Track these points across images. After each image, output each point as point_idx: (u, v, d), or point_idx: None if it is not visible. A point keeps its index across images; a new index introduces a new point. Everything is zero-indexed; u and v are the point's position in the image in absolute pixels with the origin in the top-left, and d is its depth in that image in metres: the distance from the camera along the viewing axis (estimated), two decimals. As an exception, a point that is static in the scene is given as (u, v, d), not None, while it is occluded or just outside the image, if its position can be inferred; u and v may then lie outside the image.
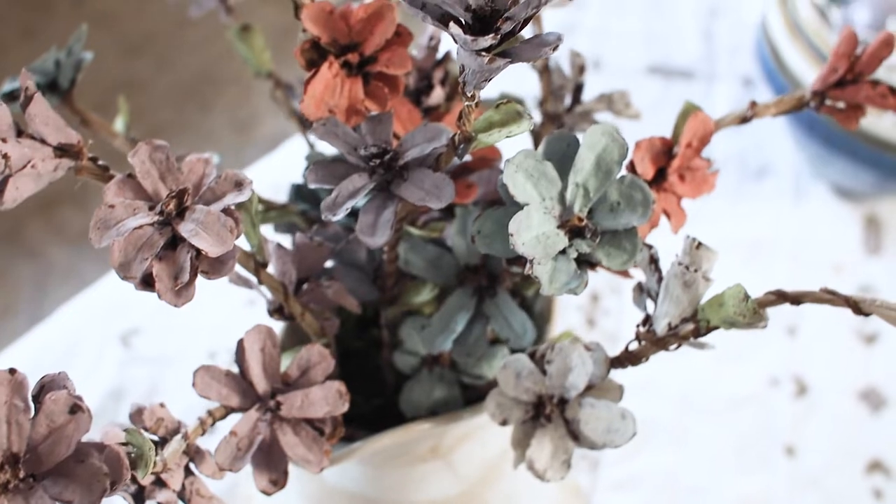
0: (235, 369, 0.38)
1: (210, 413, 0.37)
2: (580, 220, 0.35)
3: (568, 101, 0.48)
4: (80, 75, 0.44)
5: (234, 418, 0.38)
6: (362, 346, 0.49)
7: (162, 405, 0.37)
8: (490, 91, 0.46)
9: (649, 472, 0.74)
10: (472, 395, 0.46)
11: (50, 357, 0.77)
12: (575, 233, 0.35)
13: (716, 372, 0.79)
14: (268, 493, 0.38)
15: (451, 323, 0.41)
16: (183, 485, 0.37)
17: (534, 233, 0.34)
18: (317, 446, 0.38)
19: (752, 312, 0.35)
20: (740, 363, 0.80)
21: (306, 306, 0.41)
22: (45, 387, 0.28)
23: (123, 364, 0.76)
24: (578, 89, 0.48)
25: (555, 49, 0.29)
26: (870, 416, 0.77)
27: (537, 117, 0.49)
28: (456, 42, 0.29)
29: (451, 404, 0.46)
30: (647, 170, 0.39)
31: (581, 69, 0.47)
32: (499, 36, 0.29)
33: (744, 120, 0.40)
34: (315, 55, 0.37)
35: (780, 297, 0.36)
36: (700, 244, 0.37)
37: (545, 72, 0.47)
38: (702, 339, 0.38)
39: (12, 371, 0.27)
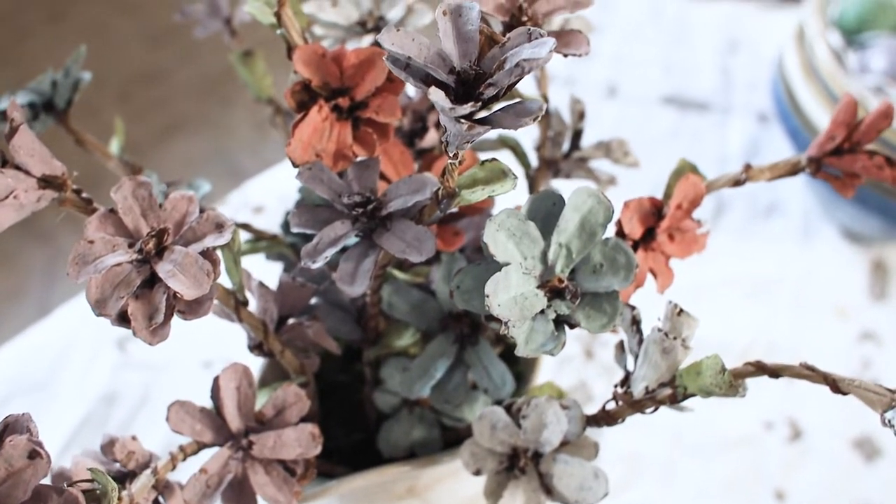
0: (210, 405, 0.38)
1: (182, 448, 0.37)
2: (561, 281, 0.35)
3: (566, 146, 0.48)
4: (77, 95, 0.44)
5: (206, 453, 0.38)
6: (347, 380, 0.49)
7: (134, 438, 0.37)
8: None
9: (636, 509, 0.73)
10: (451, 436, 0.46)
11: (45, 357, 0.77)
12: (555, 293, 0.35)
13: (710, 410, 0.78)
14: (236, 531, 0.38)
15: (431, 369, 0.41)
16: (152, 518, 0.37)
17: (511, 294, 0.33)
18: (287, 487, 0.38)
19: (728, 385, 0.34)
20: (736, 403, 0.79)
21: (286, 344, 0.41)
22: (7, 427, 0.29)
23: (117, 368, 0.76)
24: (577, 135, 0.48)
25: (535, 119, 0.28)
26: (863, 465, 0.76)
27: (534, 161, 0.48)
28: (436, 107, 0.28)
29: (429, 445, 0.45)
30: (635, 229, 0.39)
31: (581, 115, 0.47)
32: (479, 103, 0.29)
33: (737, 183, 0.40)
34: (305, 97, 0.37)
35: (759, 368, 0.36)
36: (681, 311, 0.36)
37: (544, 117, 0.47)
38: (681, 403, 0.37)
39: (-27, 414, 0.27)
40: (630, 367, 0.39)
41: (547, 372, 0.79)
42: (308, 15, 0.44)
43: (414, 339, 0.42)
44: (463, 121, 0.28)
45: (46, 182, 0.35)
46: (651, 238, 0.39)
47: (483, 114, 0.29)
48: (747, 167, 0.40)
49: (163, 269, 0.33)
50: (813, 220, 0.90)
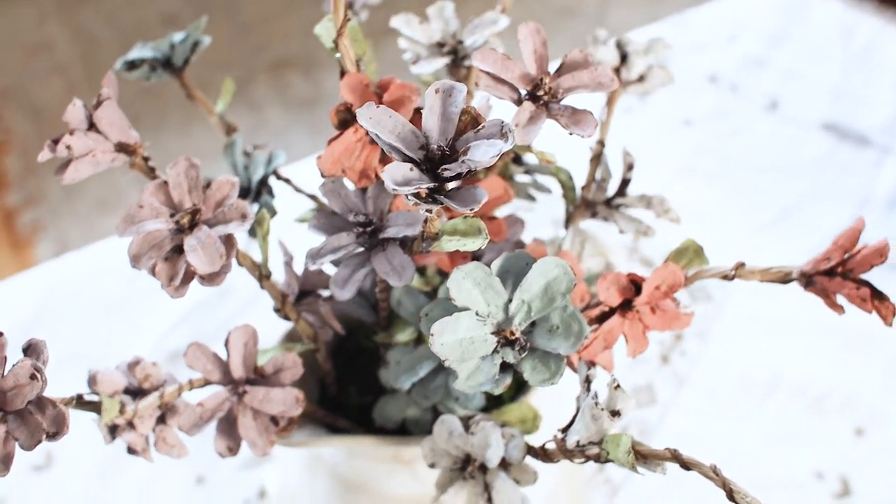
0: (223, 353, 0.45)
1: (190, 381, 0.45)
2: (512, 333, 0.39)
3: (611, 192, 0.51)
4: (195, 56, 0.51)
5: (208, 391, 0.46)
6: (372, 347, 0.55)
7: (154, 363, 0.45)
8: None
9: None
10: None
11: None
12: (506, 342, 0.39)
13: (764, 450, 0.79)
14: (224, 456, 0.46)
15: (417, 367, 0.47)
16: (154, 430, 0.45)
17: (458, 336, 0.38)
18: (266, 435, 0.45)
19: (631, 465, 0.38)
20: (792, 447, 0.80)
21: (301, 315, 0.47)
22: (30, 347, 0.37)
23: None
24: (625, 183, 0.50)
25: (472, 210, 0.33)
26: (905, 542, 0.76)
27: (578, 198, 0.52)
28: (395, 190, 0.33)
29: (420, 424, 0.51)
30: (612, 298, 0.42)
31: (629, 167, 0.50)
32: (435, 182, 0.33)
33: (725, 277, 0.42)
34: (346, 117, 0.42)
35: (674, 457, 0.39)
36: (618, 386, 0.40)
37: (595, 160, 0.50)
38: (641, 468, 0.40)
39: (0, 333, 0.35)
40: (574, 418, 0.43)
41: (618, 370, 0.82)
42: (395, 28, 0.49)
43: (412, 338, 0.47)
44: (411, 198, 0.33)
45: (121, 147, 0.42)
46: (629, 307, 0.42)
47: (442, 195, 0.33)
48: (739, 265, 0.42)
49: (188, 243, 0.40)
50: None
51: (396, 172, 0.33)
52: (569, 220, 0.51)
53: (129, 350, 0.83)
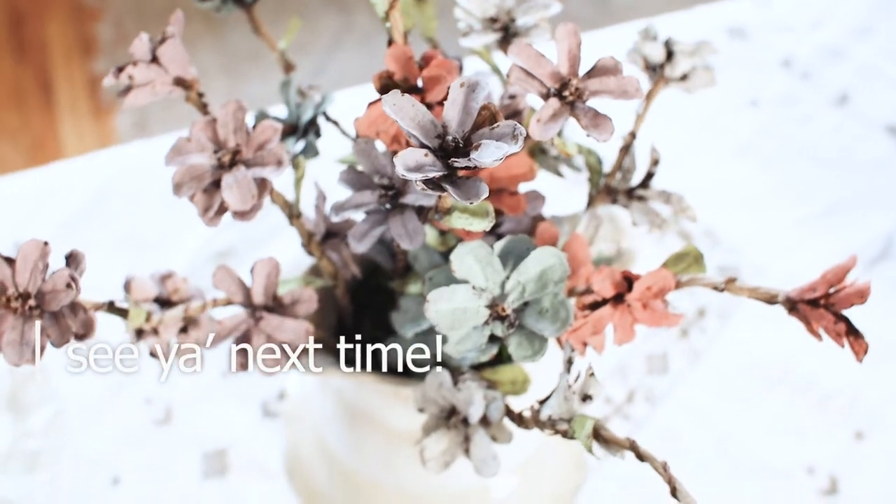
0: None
1: (214, 300, 0.49)
2: (504, 310, 0.42)
3: (635, 182, 0.53)
4: (266, -5, 0.54)
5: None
6: (391, 288, 0.59)
7: (185, 279, 0.50)
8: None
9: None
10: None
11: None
12: (497, 317, 0.42)
13: (762, 437, 0.82)
14: (236, 371, 0.50)
15: (421, 319, 0.50)
16: (177, 339, 0.50)
17: (452, 306, 0.41)
18: (273, 360, 0.49)
19: (588, 448, 0.41)
20: (789, 438, 0.82)
21: (324, 253, 0.51)
22: (71, 255, 0.41)
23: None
24: (649, 177, 0.52)
25: (471, 203, 0.35)
26: (881, 547, 0.79)
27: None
28: (405, 174, 0.36)
29: (421, 367, 0.55)
30: (605, 290, 0.45)
31: (655, 162, 0.52)
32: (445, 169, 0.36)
33: (716, 289, 0.44)
34: (389, 84, 0.45)
35: (631, 447, 0.42)
36: (592, 374, 0.43)
37: (624, 150, 0.52)
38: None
39: (45, 243, 0.40)
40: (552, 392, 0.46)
41: (638, 335, 0.85)
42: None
43: (423, 290, 0.51)
44: (420, 183, 0.36)
45: (179, 82, 0.46)
46: (621, 300, 0.45)
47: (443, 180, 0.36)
48: (729, 280, 0.44)
49: (226, 180, 0.44)
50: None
51: (410, 158, 0.36)
52: (589, 203, 0.53)
53: (180, 242, 0.89)
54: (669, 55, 0.52)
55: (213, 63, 1.78)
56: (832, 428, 0.82)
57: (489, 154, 0.35)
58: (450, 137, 0.37)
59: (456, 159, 0.36)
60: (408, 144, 0.46)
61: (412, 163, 0.36)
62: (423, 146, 0.37)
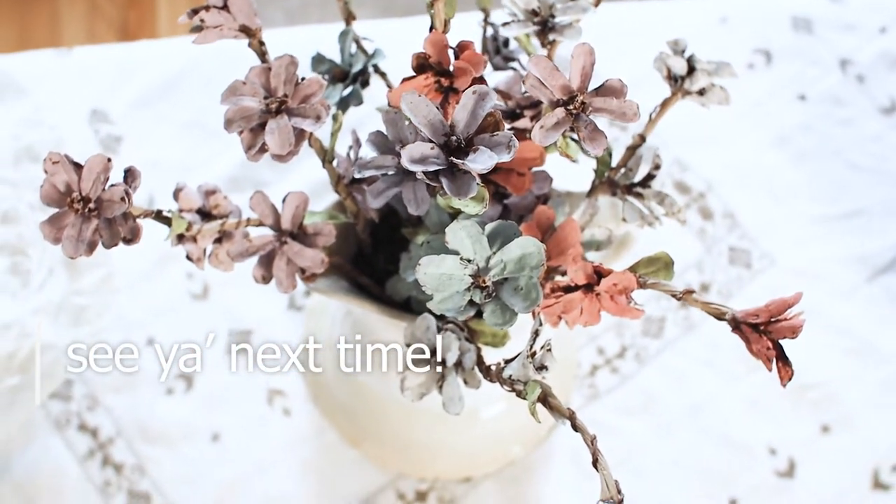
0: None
1: (248, 219, 0.57)
2: (484, 281, 0.49)
3: (636, 179, 0.58)
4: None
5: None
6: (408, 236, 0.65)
7: (225, 197, 0.57)
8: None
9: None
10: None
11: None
12: (477, 286, 0.49)
13: (733, 412, 0.88)
14: (257, 282, 0.58)
15: (422, 268, 0.57)
16: (212, 247, 0.57)
17: (439, 271, 0.48)
18: (291, 278, 0.57)
19: (532, 412, 0.48)
20: (759, 417, 0.88)
21: (350, 194, 0.58)
22: (130, 172, 0.49)
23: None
24: (649, 177, 0.58)
25: (461, 200, 0.42)
26: (822, 531, 0.85)
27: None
28: (409, 165, 0.42)
29: (419, 304, 0.62)
30: (578, 278, 0.51)
31: (657, 166, 0.57)
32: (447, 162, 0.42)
33: (674, 296, 0.50)
34: (424, 64, 0.51)
35: (570, 417, 0.49)
36: (550, 349, 0.50)
37: (631, 150, 0.57)
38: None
39: (108, 159, 0.47)
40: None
41: (641, 300, 0.91)
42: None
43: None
44: (421, 174, 0.42)
45: (244, 29, 0.52)
46: (591, 290, 0.51)
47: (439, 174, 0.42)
48: (686, 291, 0.50)
49: (269, 125, 0.50)
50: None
51: (415, 150, 0.42)
52: (591, 192, 0.59)
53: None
54: (691, 70, 0.57)
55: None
56: (802, 416, 0.88)
57: (482, 161, 0.41)
58: (455, 137, 0.43)
59: (454, 159, 0.42)
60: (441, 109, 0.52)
61: (417, 154, 0.42)
62: (429, 141, 0.43)
